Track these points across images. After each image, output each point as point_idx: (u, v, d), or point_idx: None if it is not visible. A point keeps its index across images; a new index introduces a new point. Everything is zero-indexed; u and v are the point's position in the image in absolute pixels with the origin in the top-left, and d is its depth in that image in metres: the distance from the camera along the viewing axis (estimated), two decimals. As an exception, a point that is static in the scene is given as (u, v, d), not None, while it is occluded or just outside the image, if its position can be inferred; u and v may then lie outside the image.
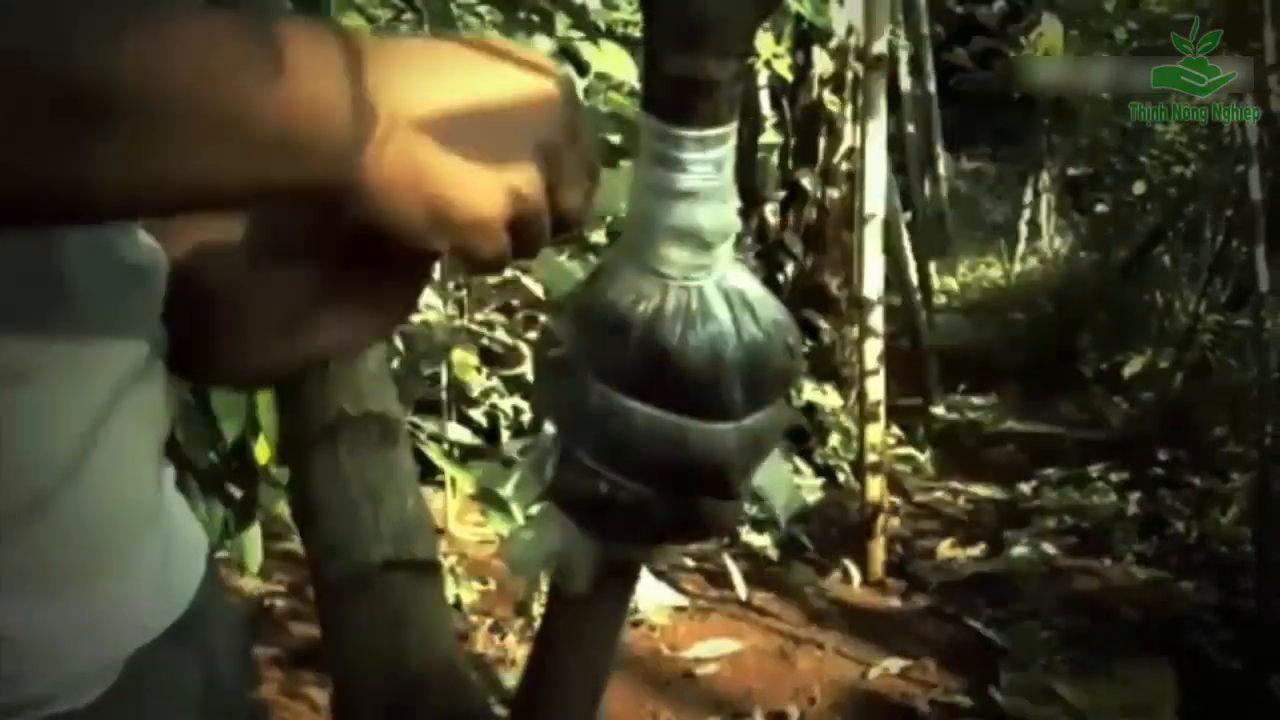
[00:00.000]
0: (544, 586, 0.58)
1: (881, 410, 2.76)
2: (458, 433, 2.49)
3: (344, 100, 0.40)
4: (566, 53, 2.16)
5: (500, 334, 2.71)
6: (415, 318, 2.49)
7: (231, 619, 0.68)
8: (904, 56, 5.22)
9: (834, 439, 3.31)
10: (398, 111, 0.42)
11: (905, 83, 5.40)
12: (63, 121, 0.36)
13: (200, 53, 0.38)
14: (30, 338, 0.48)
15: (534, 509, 0.55)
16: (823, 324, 3.48)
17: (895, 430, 3.47)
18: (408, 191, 0.42)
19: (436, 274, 2.53)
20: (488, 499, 2.00)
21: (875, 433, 2.73)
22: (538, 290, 2.78)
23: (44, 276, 0.48)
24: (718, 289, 0.49)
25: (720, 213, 0.49)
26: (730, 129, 0.48)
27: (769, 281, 3.35)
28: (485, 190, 0.43)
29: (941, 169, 6.78)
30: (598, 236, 3.26)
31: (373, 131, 0.41)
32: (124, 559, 0.54)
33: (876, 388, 2.73)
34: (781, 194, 3.53)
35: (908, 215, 4.83)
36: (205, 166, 0.39)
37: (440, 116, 0.42)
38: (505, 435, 2.98)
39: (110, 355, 0.52)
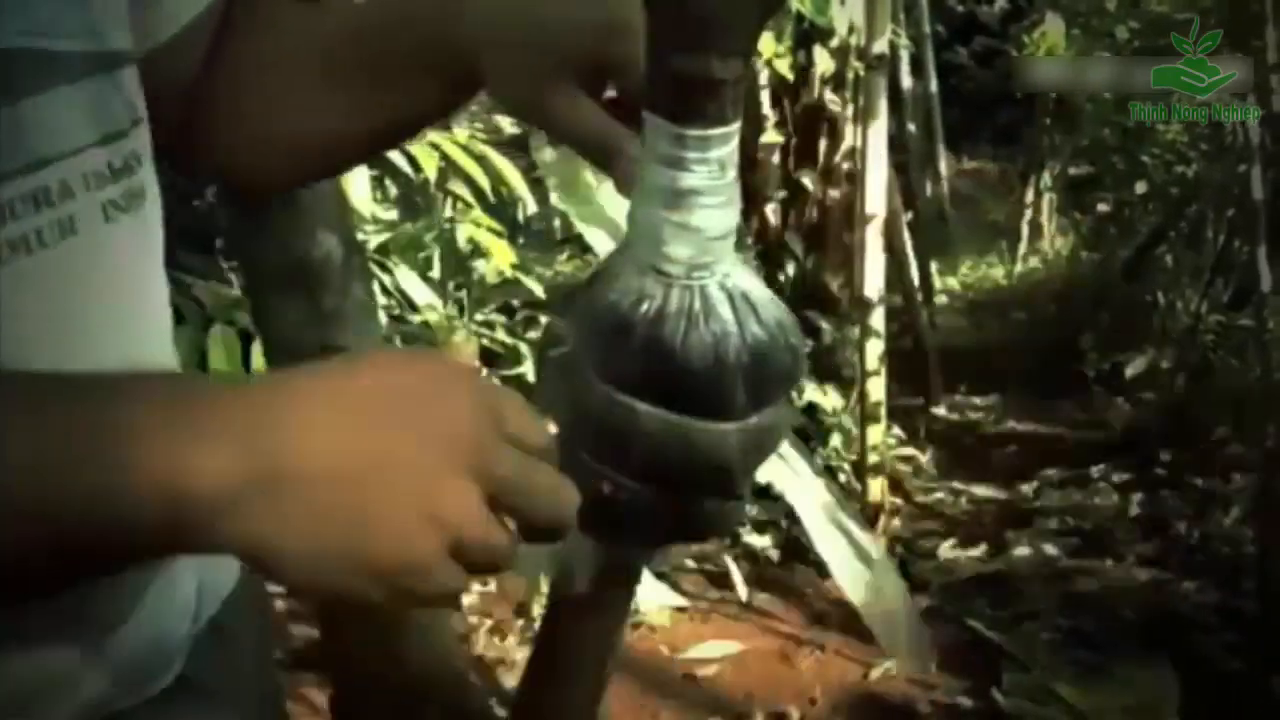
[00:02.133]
0: (545, 588, 0.58)
1: (882, 411, 2.76)
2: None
3: (187, 474, 0.35)
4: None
5: (500, 334, 2.71)
6: (415, 318, 2.49)
7: (262, 623, 0.69)
8: (905, 56, 5.22)
9: (835, 439, 3.31)
10: (276, 467, 0.36)
11: (906, 82, 5.39)
12: None
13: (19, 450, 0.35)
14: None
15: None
16: (824, 324, 3.47)
17: (896, 431, 3.46)
18: (310, 551, 0.36)
19: (436, 273, 2.52)
20: (488, 499, 1.99)
21: (876, 433, 2.73)
22: (538, 290, 2.78)
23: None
24: (721, 289, 0.49)
25: (724, 212, 0.49)
26: (734, 128, 0.48)
27: (770, 281, 3.34)
28: (405, 529, 0.37)
29: (943, 168, 6.78)
30: (598, 236, 3.26)
31: (230, 496, 0.36)
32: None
33: (877, 388, 2.73)
34: (782, 194, 3.52)
35: (909, 215, 4.82)
36: (30, 551, 0.36)
37: (330, 464, 0.37)
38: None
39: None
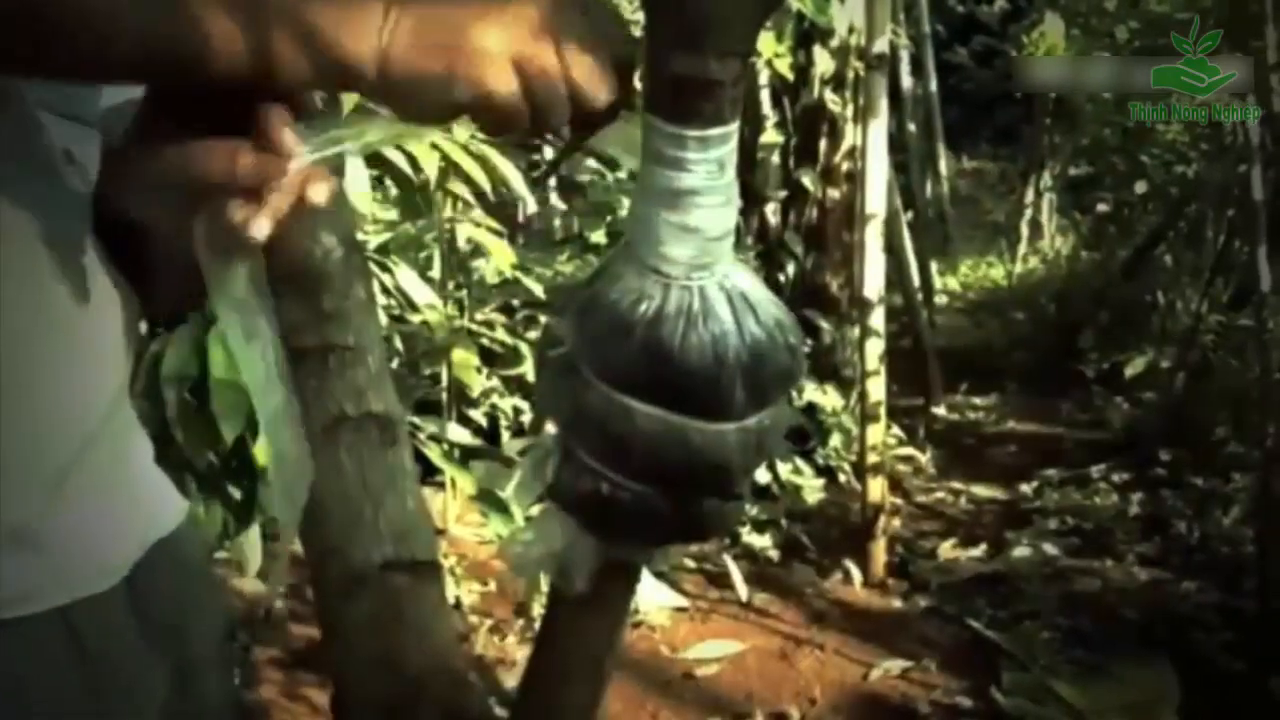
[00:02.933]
0: (545, 588, 0.58)
1: (882, 410, 2.76)
2: (458, 433, 2.49)
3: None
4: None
5: (500, 334, 2.71)
6: (415, 317, 2.49)
7: (218, 627, 0.69)
8: (905, 55, 5.22)
9: (835, 439, 3.31)
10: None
11: (906, 82, 5.40)
12: None
13: None
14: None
15: (535, 509, 0.55)
16: (824, 324, 3.47)
17: (896, 431, 3.47)
18: (419, 51, 0.48)
19: (436, 273, 2.52)
20: (488, 499, 2.00)
21: (876, 433, 2.72)
22: (538, 290, 2.78)
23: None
24: (720, 289, 0.49)
25: (723, 212, 0.49)
26: (732, 128, 0.48)
27: (770, 281, 3.34)
28: (490, 30, 0.48)
29: (943, 168, 6.79)
30: (598, 236, 3.26)
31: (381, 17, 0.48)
32: (85, 476, 0.57)
33: (877, 388, 2.73)
34: (783, 193, 3.53)
35: (909, 215, 4.83)
36: (211, 36, 0.46)
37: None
38: (505, 435, 2.98)
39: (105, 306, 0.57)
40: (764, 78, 3.37)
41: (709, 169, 0.48)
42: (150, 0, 0.46)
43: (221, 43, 0.46)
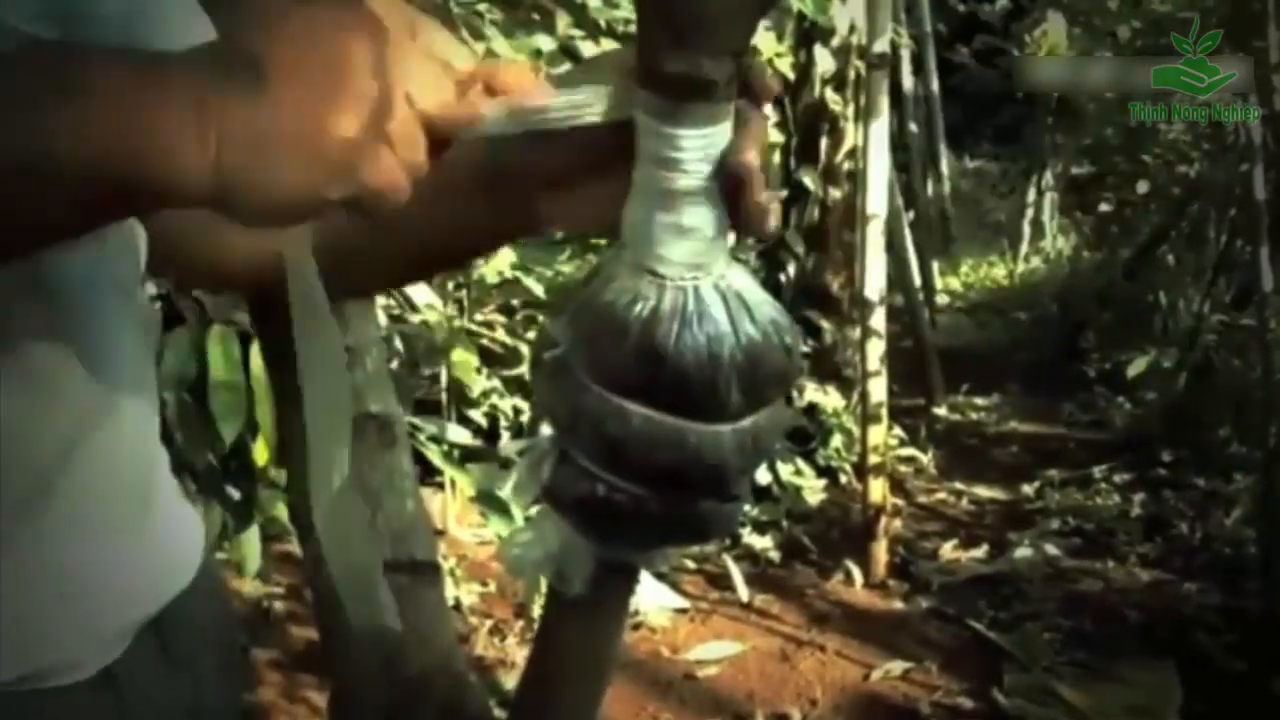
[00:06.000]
0: (544, 588, 0.57)
1: (884, 411, 2.75)
2: (457, 433, 2.48)
3: (161, 114, 0.39)
4: (568, 51, 2.16)
5: (500, 334, 2.71)
6: (415, 317, 2.48)
7: (224, 629, 0.68)
8: (906, 55, 5.22)
9: (836, 440, 3.31)
10: (222, 103, 0.40)
11: (908, 81, 5.40)
12: None
13: None
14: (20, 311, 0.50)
15: (533, 510, 0.55)
16: (824, 324, 3.47)
17: (897, 431, 3.46)
18: (272, 166, 0.40)
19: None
20: (487, 500, 1.99)
21: (877, 434, 2.72)
22: (538, 290, 2.78)
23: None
24: (715, 289, 0.49)
25: (718, 212, 0.48)
26: (727, 127, 0.48)
27: (770, 282, 3.34)
28: (340, 123, 0.40)
29: (944, 168, 6.78)
30: (598, 236, 3.26)
31: (201, 133, 0.39)
32: (120, 535, 0.56)
33: (879, 388, 2.72)
34: (783, 193, 3.52)
35: (910, 214, 4.83)
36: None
37: (264, 91, 0.40)
38: (505, 435, 2.98)
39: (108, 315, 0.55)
40: (765, 77, 3.37)
41: (704, 168, 0.47)
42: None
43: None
